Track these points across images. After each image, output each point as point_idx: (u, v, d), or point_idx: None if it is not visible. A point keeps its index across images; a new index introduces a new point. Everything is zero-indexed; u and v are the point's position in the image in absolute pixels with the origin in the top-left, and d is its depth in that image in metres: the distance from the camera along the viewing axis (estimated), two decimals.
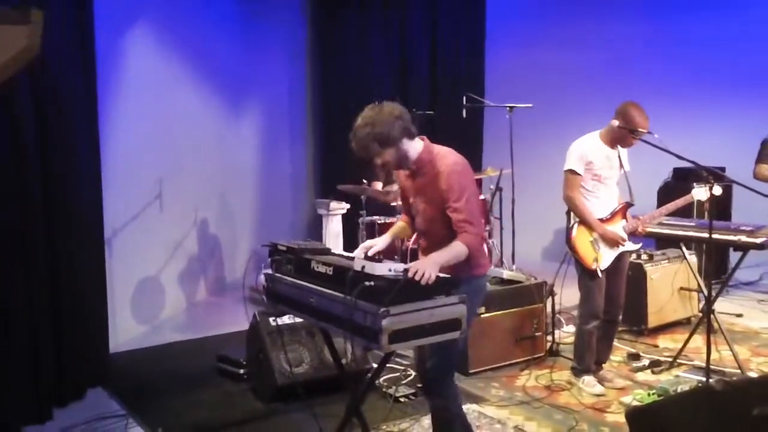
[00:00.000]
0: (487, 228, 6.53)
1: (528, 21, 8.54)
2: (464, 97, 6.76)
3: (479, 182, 7.56)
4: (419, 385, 3.74)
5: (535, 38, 8.32)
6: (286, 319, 4.17)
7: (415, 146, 3.00)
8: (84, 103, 4.35)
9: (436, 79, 8.22)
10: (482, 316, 4.61)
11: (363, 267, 2.65)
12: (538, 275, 5.26)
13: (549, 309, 5.07)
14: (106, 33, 4.84)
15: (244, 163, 7.45)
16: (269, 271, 3.16)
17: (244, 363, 4.46)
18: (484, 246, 3.18)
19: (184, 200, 6.48)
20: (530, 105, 6.43)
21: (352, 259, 2.90)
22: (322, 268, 2.86)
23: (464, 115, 6.80)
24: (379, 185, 6.30)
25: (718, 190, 3.93)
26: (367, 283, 2.55)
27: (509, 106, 6.39)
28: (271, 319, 4.15)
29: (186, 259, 6.54)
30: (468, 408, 4.04)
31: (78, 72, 4.28)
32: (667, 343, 5.24)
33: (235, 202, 7.33)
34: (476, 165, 7.82)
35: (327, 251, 3.10)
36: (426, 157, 3.01)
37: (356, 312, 2.57)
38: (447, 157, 3.00)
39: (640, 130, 3.94)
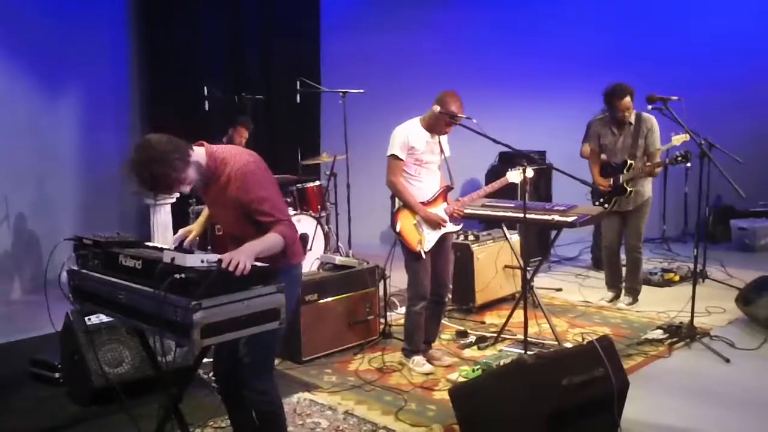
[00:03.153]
0: (324, 214, 6.52)
1: (363, 6, 8.59)
2: (298, 82, 6.69)
3: (316, 168, 7.57)
4: (214, 385, 3.50)
5: (370, 23, 8.40)
6: (104, 317, 3.91)
7: (197, 160, 2.77)
8: None
9: (270, 64, 8.08)
10: (315, 302, 4.60)
11: (173, 259, 2.51)
12: (375, 259, 5.31)
13: (382, 292, 5.14)
14: None
15: (64, 147, 6.91)
16: (74, 267, 2.92)
17: (59, 366, 4.15)
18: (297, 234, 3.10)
19: None
20: (362, 90, 6.48)
21: (164, 251, 2.75)
22: (130, 262, 2.68)
23: (298, 100, 6.74)
24: None
25: (530, 173, 4.15)
26: (177, 276, 2.41)
27: (342, 92, 6.40)
28: (86, 318, 3.88)
29: None
30: (299, 396, 4.03)
31: None
32: (494, 319, 5.49)
33: (54, 191, 6.79)
34: (314, 151, 7.80)
35: (138, 243, 2.92)
36: (212, 164, 2.81)
37: (166, 307, 2.43)
38: (234, 160, 2.82)
39: (459, 115, 4.06)
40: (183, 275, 2.41)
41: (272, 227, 2.80)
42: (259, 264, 2.62)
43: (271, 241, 2.76)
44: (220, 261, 2.50)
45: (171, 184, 2.70)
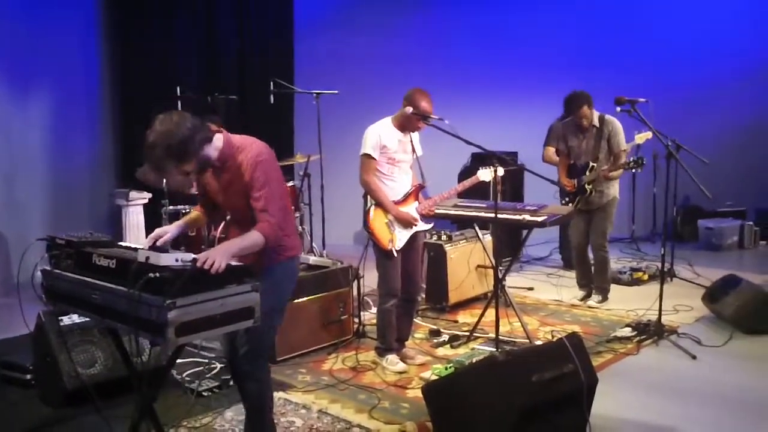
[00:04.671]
0: (298, 215, 6.54)
1: (337, 8, 8.62)
2: (272, 83, 6.69)
3: (290, 168, 7.57)
4: (187, 385, 3.54)
5: (344, 26, 8.43)
6: (76, 318, 3.89)
7: (215, 145, 2.88)
8: None
9: (245, 64, 8.06)
10: (290, 302, 4.59)
11: (147, 258, 2.52)
12: (349, 259, 5.34)
13: (356, 292, 5.17)
14: None
15: (34, 149, 6.81)
16: (47, 267, 2.91)
17: (31, 368, 4.11)
18: (297, 229, 3.16)
19: None
20: (336, 92, 6.51)
21: (138, 250, 2.75)
22: (104, 262, 2.68)
23: (272, 101, 6.74)
24: None
25: (501, 172, 4.21)
26: (151, 275, 2.42)
27: (315, 93, 6.42)
28: (59, 319, 3.85)
29: None
30: (273, 396, 4.02)
31: None
32: (467, 318, 5.55)
33: (23, 191, 6.70)
34: (288, 151, 7.80)
35: (111, 243, 2.91)
36: (228, 152, 2.92)
37: (141, 306, 2.43)
38: (250, 148, 2.93)
39: (431, 116, 4.12)
40: (157, 274, 2.42)
41: (259, 217, 2.86)
42: (234, 263, 2.65)
43: (250, 240, 2.81)
44: (195, 260, 2.52)
45: (180, 159, 2.73)
